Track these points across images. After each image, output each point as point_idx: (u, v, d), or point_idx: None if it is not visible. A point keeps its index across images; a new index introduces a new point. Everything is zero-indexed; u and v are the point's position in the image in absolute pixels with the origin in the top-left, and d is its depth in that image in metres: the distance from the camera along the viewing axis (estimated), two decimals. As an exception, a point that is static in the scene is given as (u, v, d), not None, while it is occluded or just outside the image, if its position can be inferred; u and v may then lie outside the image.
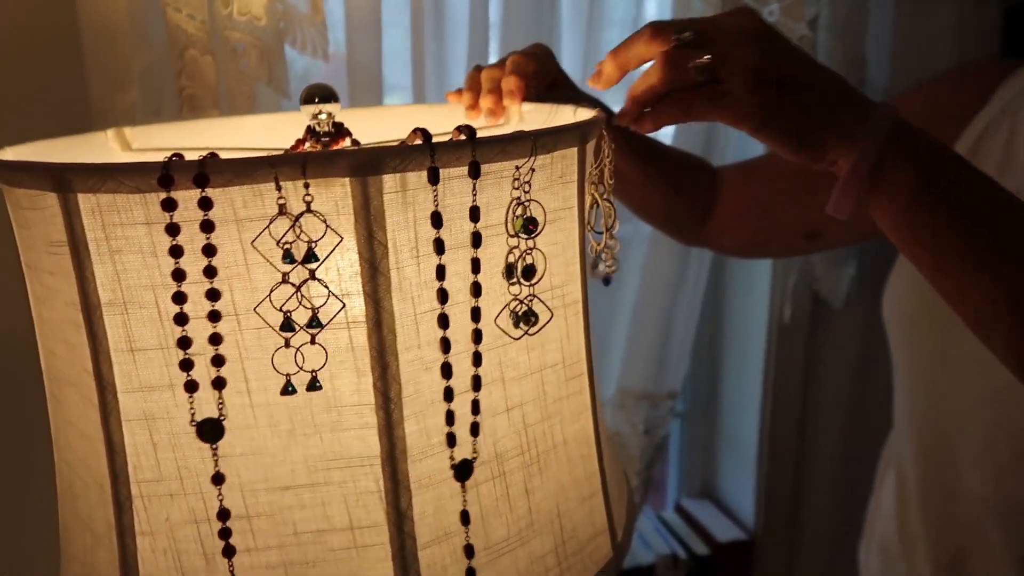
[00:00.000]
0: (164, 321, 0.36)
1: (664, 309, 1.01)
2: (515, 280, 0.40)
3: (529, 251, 0.40)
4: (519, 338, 0.41)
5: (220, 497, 0.38)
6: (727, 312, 1.25)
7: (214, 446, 0.37)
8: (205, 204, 0.33)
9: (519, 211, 0.39)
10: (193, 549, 0.39)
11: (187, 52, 0.72)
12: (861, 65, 0.93)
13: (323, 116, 0.49)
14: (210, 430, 0.36)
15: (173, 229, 0.33)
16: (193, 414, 0.36)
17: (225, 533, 0.38)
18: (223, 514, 0.38)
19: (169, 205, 0.33)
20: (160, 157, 0.33)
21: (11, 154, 0.45)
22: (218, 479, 0.37)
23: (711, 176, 0.79)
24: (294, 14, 0.77)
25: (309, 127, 0.49)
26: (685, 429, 1.34)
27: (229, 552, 0.38)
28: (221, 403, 0.36)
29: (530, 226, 0.39)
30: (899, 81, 0.94)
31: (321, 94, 0.49)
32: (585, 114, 0.48)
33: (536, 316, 0.41)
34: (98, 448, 0.40)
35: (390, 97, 0.88)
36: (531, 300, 0.41)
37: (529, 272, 0.40)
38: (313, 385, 0.36)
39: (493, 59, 0.90)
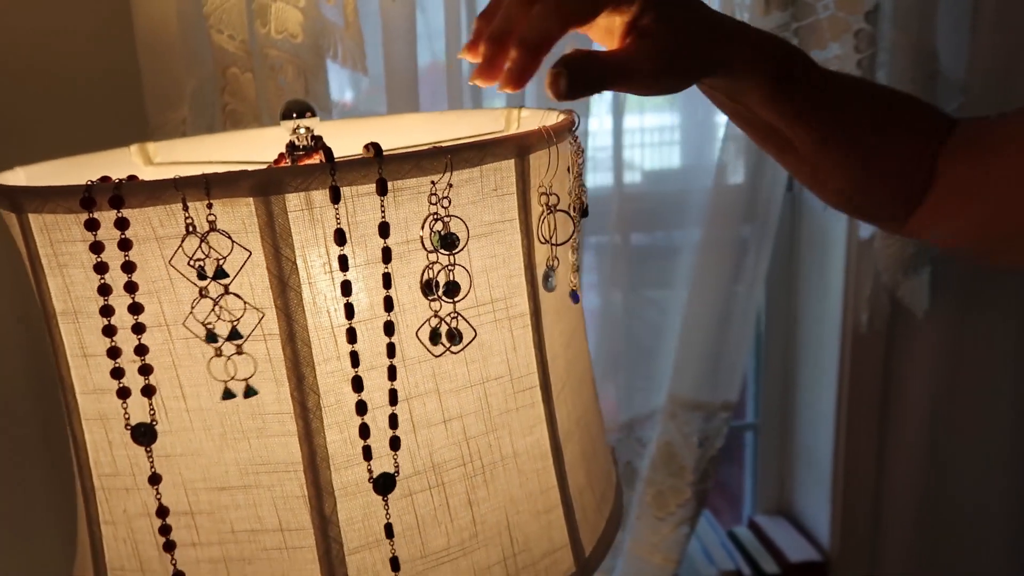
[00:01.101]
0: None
1: (717, 316, 0.98)
2: (435, 297, 0.40)
3: (451, 267, 0.40)
4: (440, 355, 0.41)
5: (158, 496, 0.40)
6: (800, 319, 1.19)
7: (148, 449, 0.40)
8: (121, 224, 0.35)
9: (437, 226, 0.39)
10: (148, 540, 0.43)
11: (229, 70, 0.77)
12: (932, 58, 0.86)
13: (302, 131, 0.51)
14: (143, 434, 0.39)
15: (97, 247, 0.36)
16: (127, 419, 0.39)
17: (165, 529, 0.41)
18: (162, 511, 0.40)
19: (91, 225, 0.36)
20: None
21: (29, 173, 0.51)
22: (155, 479, 0.40)
23: (927, 141, 0.52)
24: (331, 30, 0.81)
25: (289, 142, 0.52)
26: (758, 442, 1.28)
27: (170, 547, 0.41)
28: (152, 410, 0.39)
29: (449, 242, 0.39)
30: (976, 74, 0.86)
31: (298, 109, 0.51)
32: (551, 121, 0.48)
33: (459, 334, 0.41)
34: (73, 441, 0.44)
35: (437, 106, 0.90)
36: (454, 317, 0.41)
37: (452, 289, 0.40)
38: (249, 392, 0.38)
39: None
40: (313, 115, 0.51)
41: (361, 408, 0.39)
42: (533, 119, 0.59)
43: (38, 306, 0.41)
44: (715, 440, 1.03)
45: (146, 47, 0.77)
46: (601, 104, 0.97)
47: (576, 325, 0.55)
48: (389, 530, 0.41)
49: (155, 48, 0.77)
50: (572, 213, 0.48)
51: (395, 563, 0.41)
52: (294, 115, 0.51)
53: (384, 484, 0.40)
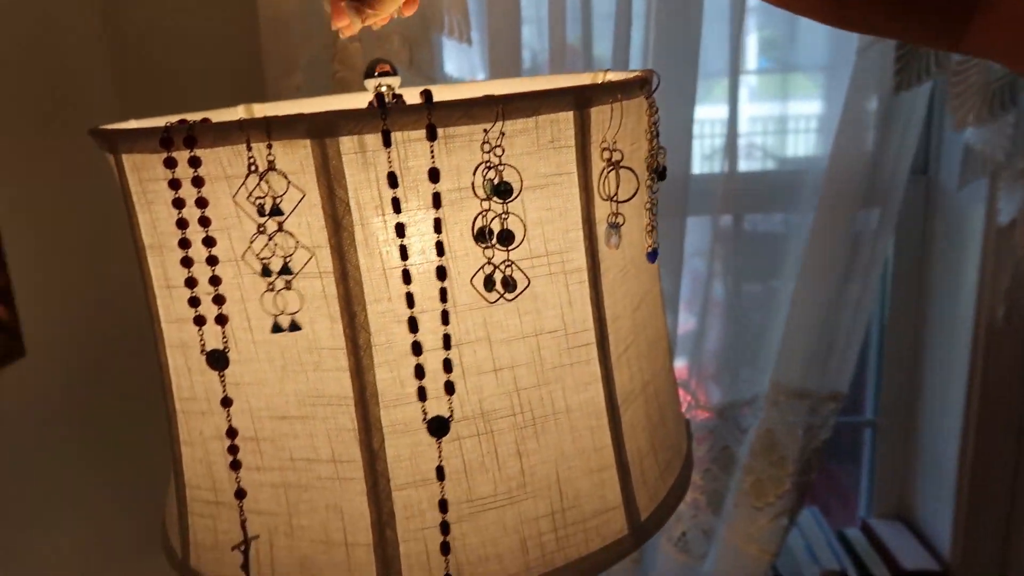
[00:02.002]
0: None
1: (828, 301, 0.93)
2: (489, 244, 0.41)
3: (504, 216, 0.41)
4: (494, 302, 0.42)
5: (228, 418, 0.43)
6: (929, 311, 1.11)
7: (221, 374, 0.43)
8: (194, 163, 0.38)
9: (489, 175, 0.40)
10: (220, 461, 0.46)
11: (339, 40, 0.80)
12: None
13: (384, 89, 0.53)
14: (216, 360, 0.42)
15: (174, 184, 0.39)
16: (203, 345, 0.42)
17: (233, 449, 0.44)
18: (231, 432, 0.44)
19: (169, 163, 0.39)
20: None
21: (140, 125, 0.55)
22: (226, 402, 0.43)
23: None
24: (438, 3, 0.82)
25: (378, 94, 0.54)
26: (877, 440, 1.21)
27: (236, 466, 0.44)
28: (225, 338, 0.42)
29: (502, 190, 0.40)
30: None
31: (382, 69, 0.53)
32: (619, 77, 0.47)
33: (513, 282, 0.41)
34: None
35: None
36: (508, 265, 0.41)
37: (506, 237, 0.41)
38: (293, 326, 0.41)
39: (638, 50, 0.90)
40: (395, 74, 0.53)
41: (416, 349, 0.40)
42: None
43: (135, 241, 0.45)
44: (820, 432, 0.98)
45: (267, 19, 0.82)
46: (717, 89, 0.94)
47: (649, 288, 0.54)
48: (440, 472, 0.42)
49: (275, 20, 0.82)
50: (645, 173, 0.47)
51: (443, 505, 0.42)
52: (377, 74, 0.53)
53: (437, 427, 0.41)
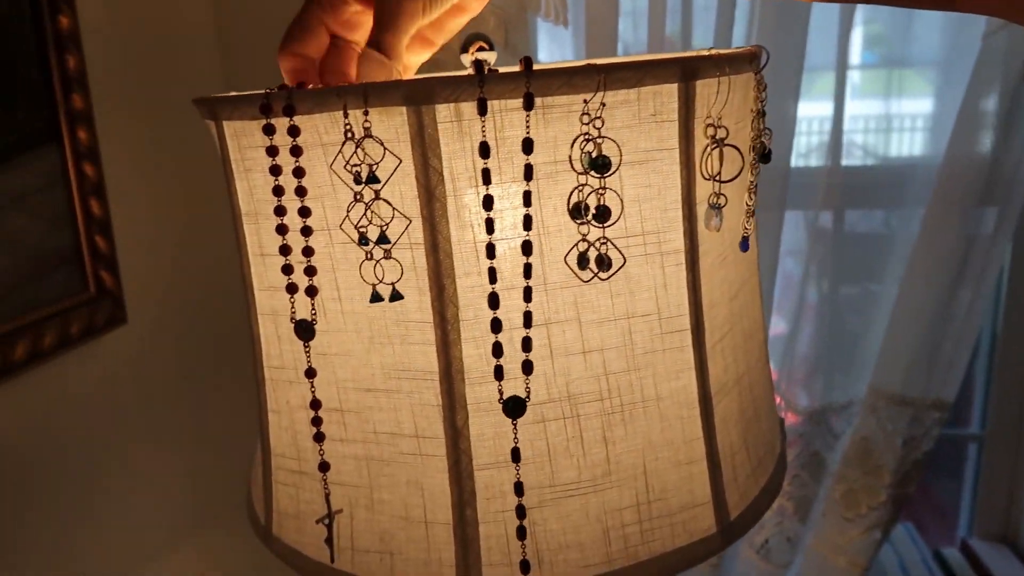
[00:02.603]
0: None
1: (936, 307, 0.87)
2: (584, 220, 0.39)
3: (602, 191, 0.39)
4: (588, 280, 0.40)
5: (313, 389, 0.43)
6: (1048, 321, 1.03)
7: (307, 344, 0.43)
8: (293, 131, 0.38)
9: (587, 147, 0.38)
10: (305, 431, 0.46)
11: (435, 21, 0.80)
12: None
13: (479, 62, 0.52)
14: (304, 330, 0.42)
15: (272, 151, 0.39)
16: (293, 314, 0.43)
17: (317, 421, 0.44)
18: (315, 403, 0.44)
19: (268, 130, 0.39)
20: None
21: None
22: (310, 373, 0.43)
23: None
24: (535, -17, 0.81)
25: (474, 64, 0.53)
26: (983, 456, 1.13)
27: (319, 438, 0.44)
28: (314, 309, 0.42)
29: (600, 164, 0.38)
30: None
31: (477, 43, 0.52)
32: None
33: (609, 261, 0.40)
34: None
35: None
36: (603, 243, 0.40)
37: (603, 213, 0.39)
38: (395, 295, 0.40)
39: (740, 43, 0.87)
40: (491, 48, 0.52)
41: (496, 326, 0.39)
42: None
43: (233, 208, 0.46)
44: (922, 442, 0.92)
45: None
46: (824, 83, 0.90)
47: (747, 277, 0.51)
48: (516, 454, 0.41)
49: None
50: (748, 152, 0.44)
51: (519, 488, 0.41)
52: (472, 49, 0.52)
53: (513, 407, 0.40)
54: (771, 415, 0.55)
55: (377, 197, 0.38)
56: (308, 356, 0.43)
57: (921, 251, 0.87)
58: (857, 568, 0.95)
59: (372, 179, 0.38)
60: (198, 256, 0.88)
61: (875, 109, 0.96)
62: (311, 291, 0.42)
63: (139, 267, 0.81)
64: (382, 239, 0.39)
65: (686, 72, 0.40)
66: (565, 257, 0.40)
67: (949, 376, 0.90)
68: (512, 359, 0.40)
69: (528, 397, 0.40)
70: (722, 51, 0.44)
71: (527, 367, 0.40)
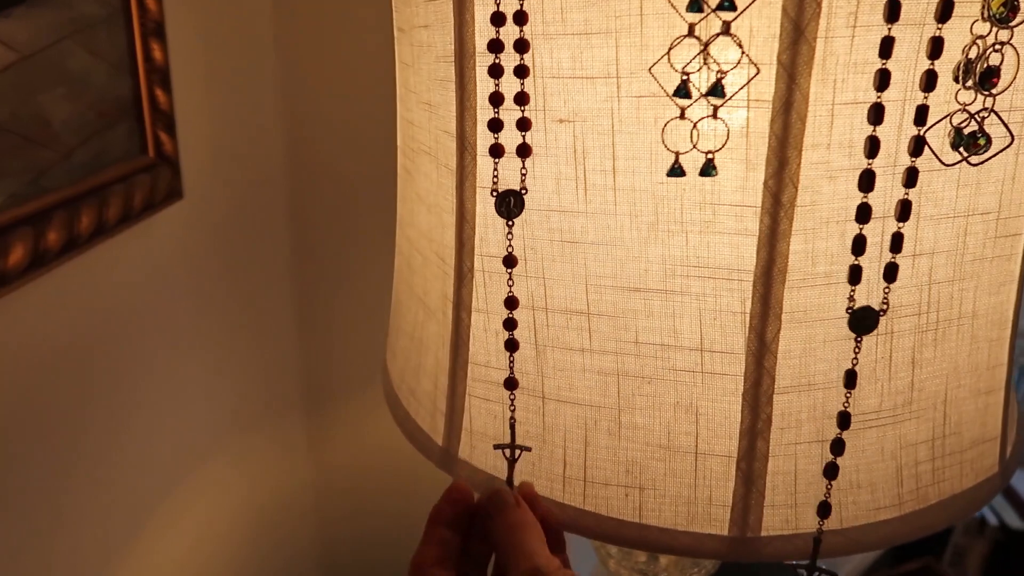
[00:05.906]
0: (540, 75, 0.32)
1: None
2: (970, 85, 0.30)
3: (998, 46, 0.30)
4: (953, 164, 0.31)
5: (510, 283, 0.35)
6: None
7: (509, 222, 0.33)
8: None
9: (1004, -19, 0.29)
10: (524, 336, 0.37)
11: None
12: None
13: None
14: (506, 204, 0.33)
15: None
16: (495, 184, 0.33)
17: (509, 324, 0.35)
18: (510, 302, 0.35)
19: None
20: None
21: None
22: (509, 261, 0.34)
23: None
24: None
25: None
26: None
27: (511, 346, 0.35)
28: (524, 172, 0.32)
29: (1012, 7, 0.29)
30: None
31: None
32: None
33: (987, 139, 0.31)
34: (445, 219, 0.39)
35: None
36: (985, 116, 0.31)
37: (987, 76, 0.30)
38: (707, 170, 0.31)
39: None
40: None
41: (863, 215, 0.30)
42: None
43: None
44: None
45: None
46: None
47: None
48: (851, 378, 0.33)
49: None
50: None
51: (844, 419, 0.33)
52: None
53: (863, 321, 0.32)
54: None
55: (727, 32, 0.28)
56: (509, 238, 0.34)
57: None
58: None
59: (728, 5, 0.27)
60: (255, 121, 0.75)
61: None
62: (523, 151, 0.32)
63: (197, 134, 0.68)
64: (716, 91, 0.29)
65: None
66: (922, 131, 0.31)
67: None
68: (867, 259, 0.31)
69: (884, 309, 0.32)
70: None
71: (890, 272, 0.31)
